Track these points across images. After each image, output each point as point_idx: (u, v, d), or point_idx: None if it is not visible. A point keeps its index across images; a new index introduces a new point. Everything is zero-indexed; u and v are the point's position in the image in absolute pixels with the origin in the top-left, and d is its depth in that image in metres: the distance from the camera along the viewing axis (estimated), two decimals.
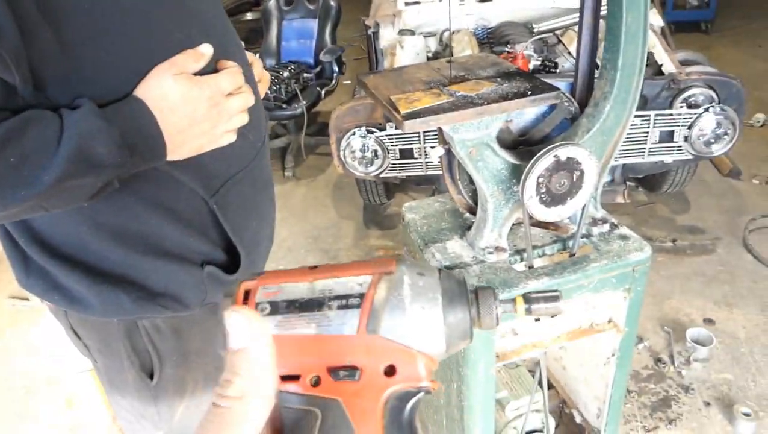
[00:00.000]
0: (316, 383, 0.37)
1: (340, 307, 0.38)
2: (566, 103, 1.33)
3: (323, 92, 3.82)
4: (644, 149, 2.51)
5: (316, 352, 0.37)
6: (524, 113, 1.31)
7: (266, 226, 1.07)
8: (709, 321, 2.43)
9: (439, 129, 1.24)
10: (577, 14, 2.71)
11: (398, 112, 1.11)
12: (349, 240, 3.22)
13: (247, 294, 0.39)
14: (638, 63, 1.26)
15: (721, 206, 3.23)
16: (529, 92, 1.16)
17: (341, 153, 2.59)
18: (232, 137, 0.85)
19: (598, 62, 1.32)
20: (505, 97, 1.15)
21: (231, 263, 0.96)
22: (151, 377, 0.98)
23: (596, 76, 1.34)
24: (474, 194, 1.41)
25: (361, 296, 0.38)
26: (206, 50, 0.82)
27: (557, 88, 1.20)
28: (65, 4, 0.70)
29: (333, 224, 3.40)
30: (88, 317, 0.91)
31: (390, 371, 0.38)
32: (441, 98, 1.14)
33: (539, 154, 1.19)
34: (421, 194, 3.46)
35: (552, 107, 1.32)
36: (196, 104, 0.78)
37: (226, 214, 0.91)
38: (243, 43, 1.10)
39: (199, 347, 1.01)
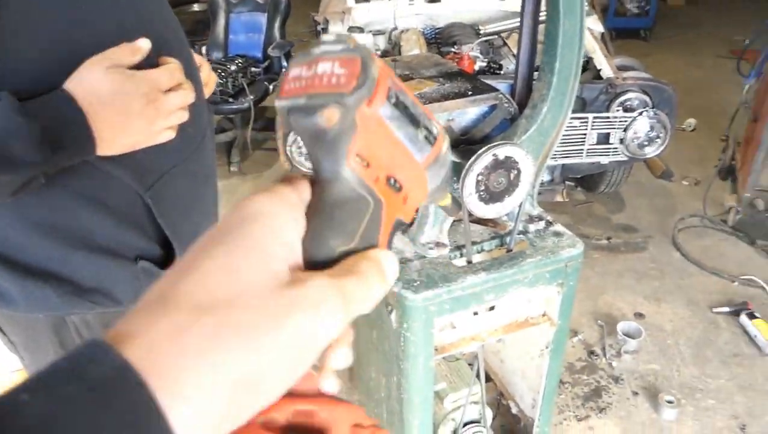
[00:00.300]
0: (377, 179, 0.39)
1: (425, 137, 0.41)
2: (506, 104, 1.38)
3: (271, 87, 3.79)
4: (582, 150, 2.60)
5: (393, 157, 0.40)
6: (466, 112, 1.35)
7: (206, 221, 1.06)
8: (639, 315, 2.56)
9: None
10: None
11: None
12: None
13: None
14: (574, 67, 1.32)
15: (653, 206, 3.39)
16: (470, 93, 1.20)
17: (288, 149, 2.57)
18: (170, 135, 0.83)
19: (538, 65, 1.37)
20: (446, 97, 1.18)
21: (167, 258, 0.95)
22: None
23: (535, 78, 1.39)
24: None
25: (435, 138, 0.42)
26: (143, 44, 0.79)
27: (497, 90, 1.25)
28: None
29: None
30: (13, 313, 0.88)
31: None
32: None
33: (478, 153, 1.23)
34: None
35: (492, 108, 1.36)
36: (130, 99, 0.75)
37: (161, 208, 0.90)
38: (187, 36, 1.08)
39: None
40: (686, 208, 3.33)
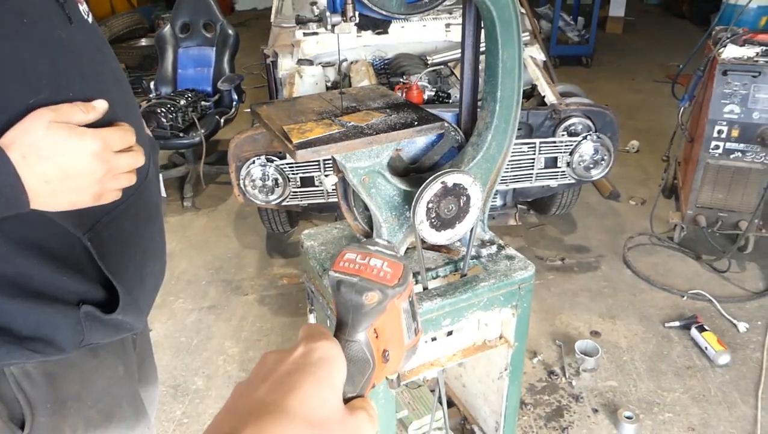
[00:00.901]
0: (377, 349, 0.56)
1: (414, 329, 0.61)
2: (453, 133, 1.41)
3: (222, 121, 3.77)
4: (532, 174, 2.68)
5: (393, 336, 0.57)
6: (414, 141, 1.37)
7: (152, 261, 1.03)
8: (595, 333, 2.61)
9: (333, 158, 1.27)
10: None
11: (290, 142, 1.13)
12: (253, 270, 3.17)
13: None
14: (515, 96, 1.36)
15: (603, 226, 3.50)
16: (416, 123, 1.22)
17: (241, 182, 2.57)
18: (116, 195, 0.82)
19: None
20: (393, 128, 1.20)
21: (111, 301, 0.92)
22: (22, 427, 0.91)
23: (479, 107, 1.43)
24: (369, 220, 1.45)
25: (417, 331, 0.63)
26: (100, 105, 0.79)
27: (442, 119, 1.27)
28: None
29: (235, 254, 3.33)
30: None
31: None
32: (332, 128, 1.18)
33: (428, 181, 1.25)
34: (323, 221, 3.48)
35: (440, 136, 1.39)
36: (73, 156, 0.74)
37: (101, 251, 0.87)
38: (134, 71, 1.07)
39: (77, 391, 0.95)
40: (635, 227, 3.44)
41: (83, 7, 0.90)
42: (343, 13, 1.11)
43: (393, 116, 1.26)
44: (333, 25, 1.12)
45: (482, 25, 1.33)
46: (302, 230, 3.44)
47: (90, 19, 0.93)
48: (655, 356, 2.48)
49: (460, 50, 3.36)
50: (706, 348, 2.45)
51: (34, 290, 0.82)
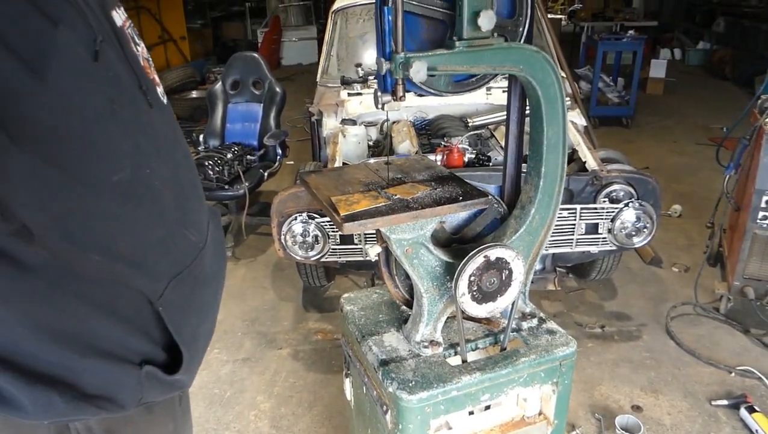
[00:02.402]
0: None
1: None
2: (496, 205, 1.42)
3: (266, 174, 3.87)
4: (572, 239, 2.65)
5: None
6: (457, 213, 1.39)
7: (206, 322, 1.07)
8: (636, 408, 2.51)
9: (378, 229, 1.30)
10: None
11: (338, 213, 1.16)
12: (288, 323, 3.18)
13: None
14: (559, 171, 1.38)
15: (645, 293, 3.41)
16: (461, 197, 1.24)
17: (282, 237, 2.61)
18: None
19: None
20: (438, 202, 1.22)
21: (171, 361, 0.95)
22: None
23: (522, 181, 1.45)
24: (410, 289, 1.46)
25: None
26: None
27: (487, 194, 1.29)
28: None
29: (272, 306, 3.36)
30: (17, 419, 0.87)
31: None
32: (379, 201, 1.21)
33: (470, 254, 1.26)
34: (360, 277, 3.49)
35: (483, 208, 1.40)
36: None
37: (168, 314, 0.92)
38: (185, 122, 1.14)
39: None
40: (678, 295, 3.34)
41: (160, 90, 0.98)
42: (394, 93, 1.15)
43: (438, 189, 1.28)
44: (383, 104, 1.17)
45: (527, 102, 1.36)
46: (339, 285, 3.46)
47: (165, 101, 1.01)
48: None
49: (500, 114, 3.40)
50: (756, 431, 2.32)
51: (103, 349, 0.86)
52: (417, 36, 1.21)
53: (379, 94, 1.17)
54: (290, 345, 2.99)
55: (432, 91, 1.24)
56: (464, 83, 1.28)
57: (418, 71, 1.08)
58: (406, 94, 1.21)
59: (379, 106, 1.17)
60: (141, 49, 1.00)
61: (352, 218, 1.15)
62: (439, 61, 1.13)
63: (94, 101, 0.81)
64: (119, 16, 0.97)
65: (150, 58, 1.02)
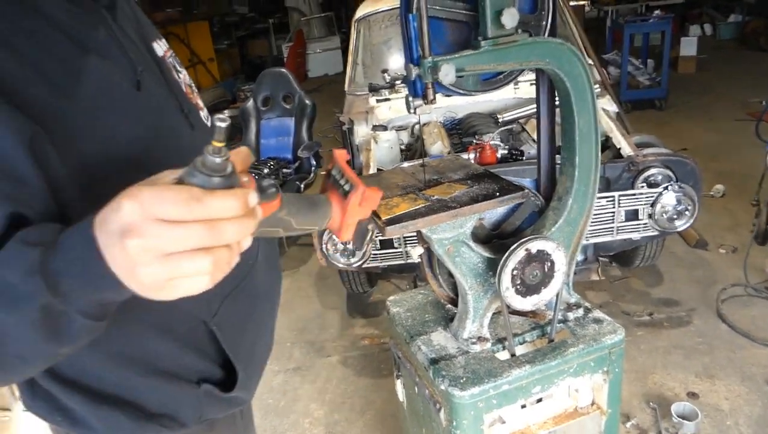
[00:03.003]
0: None
1: None
2: (533, 198, 1.44)
3: (302, 186, 3.95)
4: (612, 228, 2.63)
5: None
6: (495, 209, 1.41)
7: (262, 337, 1.11)
8: (692, 395, 2.47)
9: (419, 230, 1.33)
10: None
11: (379, 218, 1.19)
12: (335, 330, 3.24)
13: None
14: (593, 159, 1.38)
15: (692, 277, 3.34)
16: (498, 193, 1.26)
17: (323, 246, 2.66)
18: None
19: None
20: (476, 199, 1.24)
21: (227, 379, 0.99)
22: None
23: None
24: (454, 287, 1.48)
25: None
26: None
27: (523, 187, 1.31)
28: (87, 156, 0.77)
29: (318, 314, 3.42)
30: None
31: None
32: (417, 203, 1.23)
33: (512, 248, 1.27)
34: (402, 281, 3.52)
35: (520, 202, 1.42)
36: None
37: (223, 332, 0.96)
38: None
39: None
40: (727, 277, 3.27)
41: (204, 113, 1.03)
42: (425, 97, 1.18)
43: (474, 187, 1.30)
44: (416, 108, 1.20)
45: (556, 94, 1.37)
46: (382, 289, 3.49)
47: (209, 123, 1.06)
48: (762, 420, 2.31)
49: (529, 107, 3.39)
50: None
51: (162, 370, 0.91)
52: (442, 39, 1.23)
53: (410, 99, 1.20)
54: (339, 352, 3.04)
55: (461, 91, 1.26)
56: (492, 81, 1.30)
57: (447, 74, 1.10)
58: (436, 96, 1.24)
59: (411, 110, 1.20)
60: (183, 76, 1.05)
61: (394, 221, 1.18)
62: (467, 62, 1.15)
63: (139, 130, 0.86)
64: (160, 47, 1.03)
65: (192, 84, 1.07)
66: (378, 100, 3.47)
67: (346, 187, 0.81)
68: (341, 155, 0.84)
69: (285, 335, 3.25)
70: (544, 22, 1.27)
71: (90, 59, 0.80)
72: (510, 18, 1.12)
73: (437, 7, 1.18)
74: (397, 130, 3.34)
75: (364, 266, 2.69)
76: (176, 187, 0.56)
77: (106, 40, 0.86)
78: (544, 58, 1.22)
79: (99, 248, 0.58)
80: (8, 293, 0.60)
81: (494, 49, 1.16)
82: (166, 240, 0.54)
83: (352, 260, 2.65)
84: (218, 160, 0.56)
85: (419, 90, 1.18)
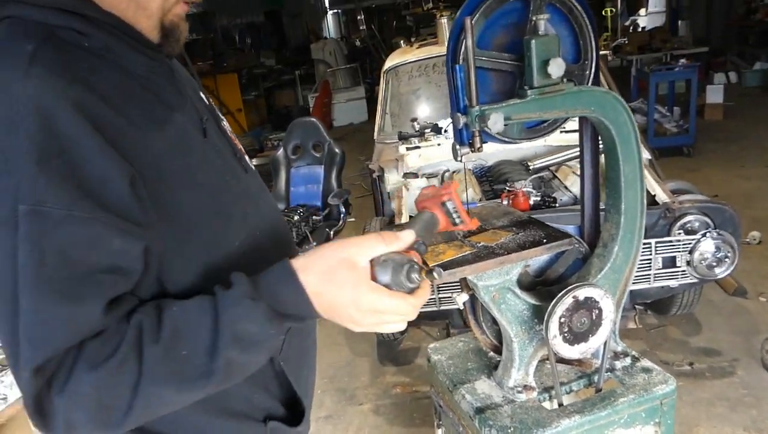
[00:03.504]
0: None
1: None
2: (577, 245, 1.43)
3: (332, 233, 3.98)
4: (649, 275, 2.59)
5: None
6: (540, 256, 1.40)
7: (313, 372, 1.12)
8: None
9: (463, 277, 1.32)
10: (569, 151, 2.93)
11: (427, 265, 1.19)
12: (366, 378, 3.19)
13: None
14: (639, 206, 1.38)
15: (733, 326, 3.25)
16: (545, 240, 1.26)
17: None
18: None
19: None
20: (522, 247, 1.24)
21: (290, 415, 1.00)
22: None
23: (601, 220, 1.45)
24: (498, 334, 1.46)
25: None
26: (406, 236, 0.86)
27: (570, 235, 1.30)
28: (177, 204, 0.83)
29: (348, 362, 3.38)
30: None
31: None
32: (464, 250, 1.24)
33: (559, 295, 1.26)
34: (433, 328, 3.48)
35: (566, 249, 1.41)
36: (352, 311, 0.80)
37: (288, 367, 0.97)
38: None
39: None
40: None
41: (246, 157, 1.07)
42: (471, 144, 1.20)
43: (520, 234, 1.30)
44: (462, 156, 1.22)
45: (600, 142, 1.38)
46: (412, 336, 3.46)
47: (253, 167, 1.10)
48: None
49: (559, 154, 3.39)
50: None
51: (232, 409, 0.92)
52: (487, 89, 1.26)
53: (457, 147, 1.22)
54: (370, 400, 3.00)
55: (506, 139, 1.28)
56: (537, 129, 1.32)
57: (496, 122, 1.13)
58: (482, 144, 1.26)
59: (459, 158, 1.22)
60: (225, 123, 1.10)
61: (442, 268, 1.18)
62: (514, 110, 1.18)
63: (211, 176, 0.90)
64: (205, 95, 1.08)
65: (231, 130, 1.12)
66: (408, 148, 3.52)
67: (457, 220, 1.03)
68: (455, 187, 1.03)
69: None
70: (587, 72, 1.30)
71: (175, 115, 0.85)
72: (557, 68, 1.14)
73: (484, 58, 1.21)
74: (427, 177, 3.37)
75: None
76: (391, 295, 0.81)
77: (176, 92, 0.90)
78: (590, 107, 1.24)
79: (311, 302, 0.78)
80: (251, 340, 0.77)
81: (541, 98, 1.18)
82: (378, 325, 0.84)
83: None
84: (417, 278, 0.83)
85: (466, 138, 1.20)
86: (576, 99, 1.22)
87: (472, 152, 1.21)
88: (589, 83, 1.30)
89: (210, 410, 0.89)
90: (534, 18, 1.18)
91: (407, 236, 0.86)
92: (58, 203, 0.69)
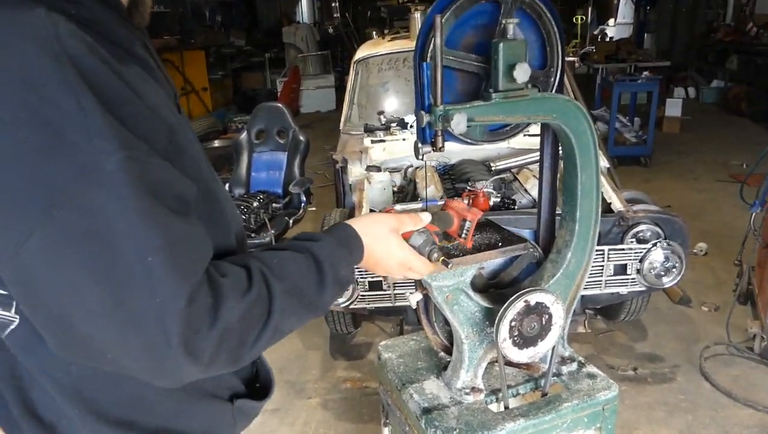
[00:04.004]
0: None
1: None
2: (532, 250, 1.44)
3: (291, 221, 3.93)
4: (601, 281, 2.65)
5: None
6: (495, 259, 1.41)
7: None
8: None
9: None
10: (531, 154, 2.96)
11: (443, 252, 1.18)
12: (316, 372, 3.17)
13: None
14: (594, 215, 1.39)
15: (676, 333, 3.36)
16: (500, 244, 1.26)
17: None
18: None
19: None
20: (478, 249, 1.24)
21: (255, 392, 1.00)
22: None
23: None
24: (449, 335, 1.47)
25: None
26: (425, 217, 1.15)
27: (525, 239, 1.31)
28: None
29: (299, 355, 3.35)
30: None
31: None
32: None
33: (511, 299, 1.27)
34: (387, 324, 3.49)
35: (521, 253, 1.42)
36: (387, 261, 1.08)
37: None
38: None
39: None
40: (709, 335, 3.29)
41: None
42: (434, 144, 1.19)
43: (476, 236, 1.30)
44: (424, 154, 1.20)
45: (560, 149, 1.39)
46: (366, 331, 3.45)
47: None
48: None
49: (522, 157, 3.43)
50: None
51: (208, 391, 0.91)
52: (452, 88, 1.25)
53: (419, 145, 1.21)
54: (319, 394, 2.98)
55: (468, 140, 1.27)
56: (499, 132, 1.32)
57: (459, 123, 1.12)
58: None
59: (420, 156, 1.21)
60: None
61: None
62: (477, 112, 1.17)
63: (196, 149, 0.87)
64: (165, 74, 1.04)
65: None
66: (373, 141, 3.50)
67: (464, 235, 1.21)
68: (479, 215, 1.21)
69: None
70: (552, 79, 1.30)
71: (161, 90, 0.83)
72: (522, 73, 1.14)
73: (451, 57, 1.20)
74: (390, 171, 3.35)
75: (352, 307, 2.67)
76: (418, 256, 1.13)
77: (156, 68, 0.86)
78: (552, 114, 1.24)
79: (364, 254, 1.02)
80: (343, 280, 0.94)
81: (505, 102, 1.18)
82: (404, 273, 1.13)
83: (340, 300, 2.62)
84: (435, 258, 1.14)
85: (429, 137, 1.19)
86: (539, 105, 1.22)
87: (434, 151, 1.20)
88: (553, 90, 1.30)
89: (181, 392, 0.86)
90: (503, 21, 1.18)
91: (425, 218, 1.16)
92: (139, 150, 0.69)
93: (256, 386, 1.03)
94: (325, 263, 0.88)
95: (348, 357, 3.29)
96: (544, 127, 1.41)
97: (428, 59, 1.17)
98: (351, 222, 1.02)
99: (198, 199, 0.79)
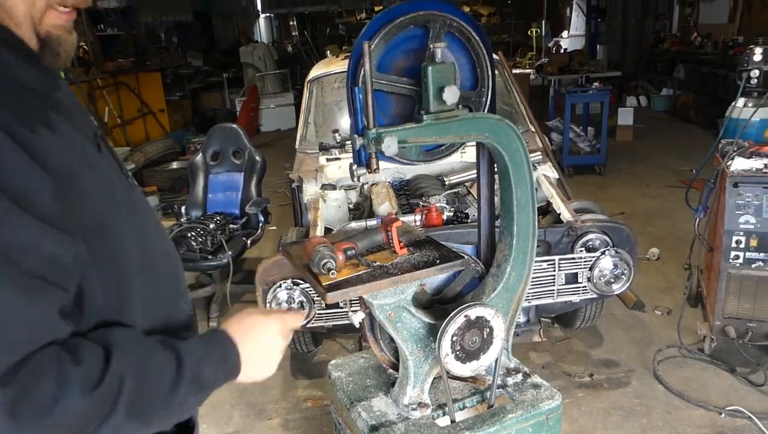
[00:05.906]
0: None
1: None
2: (473, 265, 1.47)
3: (249, 242, 3.90)
4: (553, 290, 2.71)
5: None
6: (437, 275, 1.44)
7: None
8: None
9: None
10: None
11: (320, 284, 1.20)
12: (277, 392, 3.14)
13: None
14: (531, 229, 1.44)
15: (630, 338, 3.44)
16: (438, 261, 1.29)
17: (268, 305, 2.63)
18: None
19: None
20: (417, 267, 1.27)
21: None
22: None
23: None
24: (396, 352, 1.48)
25: None
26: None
27: (463, 256, 1.34)
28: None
29: None
30: None
31: None
32: (359, 269, 1.25)
33: (451, 315, 1.29)
34: (348, 341, 3.48)
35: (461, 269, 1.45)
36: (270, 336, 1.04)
37: None
38: (166, 193, 1.26)
39: None
40: (662, 338, 3.38)
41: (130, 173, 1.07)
42: (368, 166, 1.21)
43: (416, 253, 1.33)
44: (359, 176, 1.23)
45: (495, 167, 1.43)
46: (326, 349, 3.44)
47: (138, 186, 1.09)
48: None
49: (475, 171, 3.48)
50: None
51: None
52: (387, 111, 1.29)
53: (354, 167, 1.23)
54: (280, 415, 2.95)
55: (404, 161, 1.30)
56: (434, 152, 1.36)
57: (390, 145, 1.15)
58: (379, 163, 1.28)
59: (355, 178, 1.23)
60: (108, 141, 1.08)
61: (334, 287, 1.18)
62: (409, 134, 1.20)
63: (109, 189, 0.87)
64: (90, 112, 1.06)
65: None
66: (328, 160, 3.51)
67: (391, 244, 1.31)
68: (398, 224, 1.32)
69: (224, 397, 3.14)
70: (483, 99, 1.34)
71: (74, 129, 0.84)
72: (451, 95, 1.18)
73: (382, 82, 1.23)
74: (345, 189, 3.37)
75: (309, 325, 2.66)
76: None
77: (69, 104, 0.87)
78: (484, 133, 1.28)
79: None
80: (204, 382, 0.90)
81: (436, 123, 1.21)
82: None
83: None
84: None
85: (363, 159, 1.21)
86: (470, 125, 1.26)
87: (369, 173, 1.22)
88: (485, 110, 1.34)
89: None
90: (432, 45, 1.22)
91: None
92: None
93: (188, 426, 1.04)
94: (186, 361, 0.86)
95: (309, 376, 3.27)
96: (479, 146, 1.45)
97: (360, 84, 1.20)
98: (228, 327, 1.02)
99: (92, 249, 0.80)
